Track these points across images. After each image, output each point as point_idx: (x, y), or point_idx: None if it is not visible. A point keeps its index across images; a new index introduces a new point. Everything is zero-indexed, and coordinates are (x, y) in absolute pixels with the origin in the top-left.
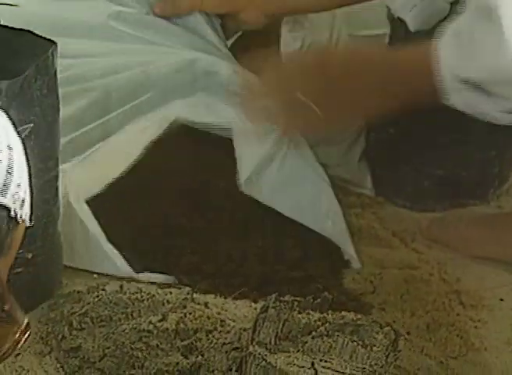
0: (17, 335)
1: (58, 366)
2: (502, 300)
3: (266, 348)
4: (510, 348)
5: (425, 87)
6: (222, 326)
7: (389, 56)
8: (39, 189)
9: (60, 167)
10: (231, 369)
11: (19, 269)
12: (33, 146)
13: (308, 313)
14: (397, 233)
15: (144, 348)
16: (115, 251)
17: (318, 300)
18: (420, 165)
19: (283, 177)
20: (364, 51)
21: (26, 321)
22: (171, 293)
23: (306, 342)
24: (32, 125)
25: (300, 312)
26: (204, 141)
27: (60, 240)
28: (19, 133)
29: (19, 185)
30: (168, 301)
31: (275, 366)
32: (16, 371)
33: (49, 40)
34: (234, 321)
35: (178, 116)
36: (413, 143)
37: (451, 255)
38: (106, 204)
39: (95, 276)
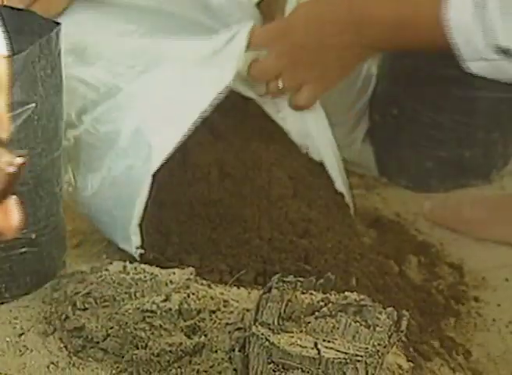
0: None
1: (62, 345)
2: (507, 280)
3: (269, 329)
4: None
5: (436, 46)
6: (225, 306)
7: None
8: (43, 169)
9: (63, 147)
10: (234, 349)
11: (23, 250)
12: (36, 127)
13: (311, 294)
14: (401, 214)
15: (147, 328)
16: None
17: (321, 280)
18: (423, 146)
19: None
20: None
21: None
22: (174, 273)
23: (309, 322)
24: (35, 105)
25: (303, 293)
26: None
27: (64, 220)
28: (23, 113)
29: None
30: (171, 282)
31: (278, 346)
32: (20, 351)
33: (53, 21)
34: (237, 301)
35: None
36: (416, 124)
37: (454, 236)
38: None
39: (104, 256)
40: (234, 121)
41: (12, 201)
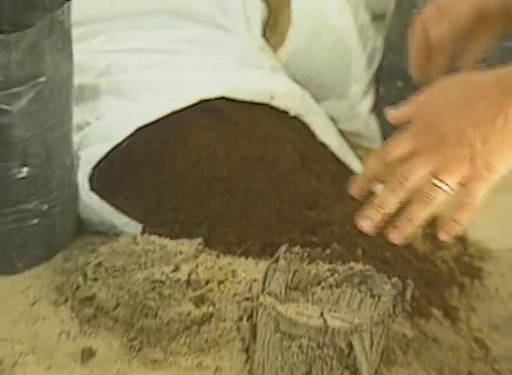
0: None
1: (73, 314)
2: (511, 251)
3: (276, 298)
4: None
5: None
6: (233, 276)
7: None
8: (54, 142)
9: (74, 121)
10: (242, 319)
11: (35, 221)
12: (47, 100)
13: (318, 264)
14: None
15: (156, 297)
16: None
17: (328, 251)
18: None
19: None
20: None
21: None
22: (183, 244)
23: (315, 292)
24: (46, 79)
25: (309, 263)
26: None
27: (76, 191)
28: (34, 86)
29: None
30: (180, 252)
31: (285, 316)
32: (32, 320)
33: None
34: (245, 272)
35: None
36: None
37: None
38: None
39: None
40: (239, 103)
41: None
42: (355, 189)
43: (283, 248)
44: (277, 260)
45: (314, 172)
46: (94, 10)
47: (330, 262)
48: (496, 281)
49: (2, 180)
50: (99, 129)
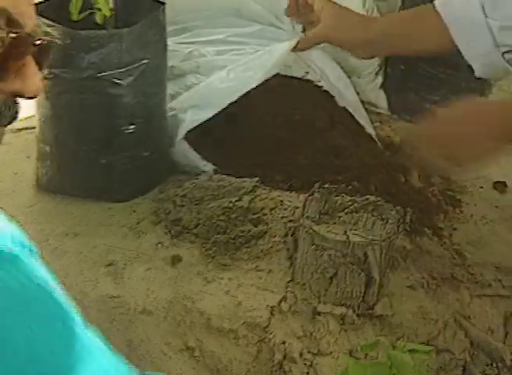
0: None
1: (166, 231)
2: (482, 187)
3: (312, 221)
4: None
5: None
6: (281, 205)
7: None
8: (153, 107)
9: (167, 91)
10: (287, 235)
11: (139, 163)
12: (148, 76)
13: (342, 196)
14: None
15: (226, 219)
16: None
17: (349, 187)
18: (423, 92)
19: None
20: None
21: None
22: (245, 181)
23: (340, 217)
24: (148, 61)
25: (336, 196)
26: None
27: (168, 142)
28: (139, 66)
29: None
30: (243, 187)
31: (319, 233)
32: (137, 234)
33: (159, 1)
34: (290, 201)
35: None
36: (418, 76)
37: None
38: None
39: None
40: (284, 78)
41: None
42: None
43: (317, 185)
44: (313, 193)
45: (339, 130)
46: (181, 14)
47: (351, 195)
48: (471, 209)
49: (116, 135)
50: (187, 98)
